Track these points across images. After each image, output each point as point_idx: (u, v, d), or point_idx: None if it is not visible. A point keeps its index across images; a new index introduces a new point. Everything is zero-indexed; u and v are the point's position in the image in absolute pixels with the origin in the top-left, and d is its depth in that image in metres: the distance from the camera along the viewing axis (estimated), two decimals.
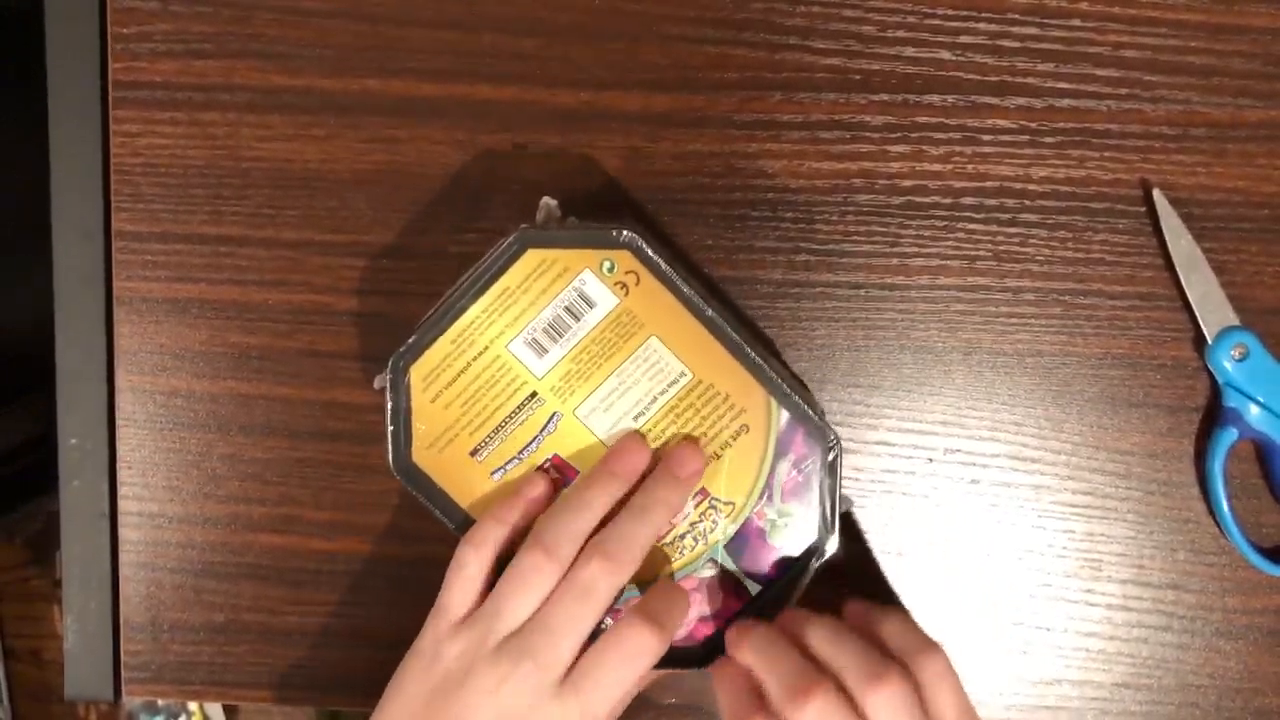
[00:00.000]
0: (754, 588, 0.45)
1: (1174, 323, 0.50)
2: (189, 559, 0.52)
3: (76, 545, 0.52)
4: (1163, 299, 0.50)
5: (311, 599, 0.52)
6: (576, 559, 0.41)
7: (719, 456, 0.45)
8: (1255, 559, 0.49)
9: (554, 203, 0.46)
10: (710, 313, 0.44)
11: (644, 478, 0.44)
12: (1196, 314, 0.49)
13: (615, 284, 0.44)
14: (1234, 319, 0.49)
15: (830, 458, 0.45)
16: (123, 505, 0.51)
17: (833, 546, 0.45)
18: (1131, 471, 0.50)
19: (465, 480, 0.45)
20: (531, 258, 0.44)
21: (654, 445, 0.45)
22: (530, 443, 0.45)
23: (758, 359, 0.44)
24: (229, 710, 1.25)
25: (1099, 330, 0.50)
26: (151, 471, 0.51)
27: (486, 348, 0.44)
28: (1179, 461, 0.50)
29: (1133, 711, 0.51)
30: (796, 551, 0.45)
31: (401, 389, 0.44)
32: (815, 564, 0.45)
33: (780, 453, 0.45)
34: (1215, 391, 0.49)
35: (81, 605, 0.52)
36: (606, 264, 0.44)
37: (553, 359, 0.44)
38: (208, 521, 0.51)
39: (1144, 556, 0.51)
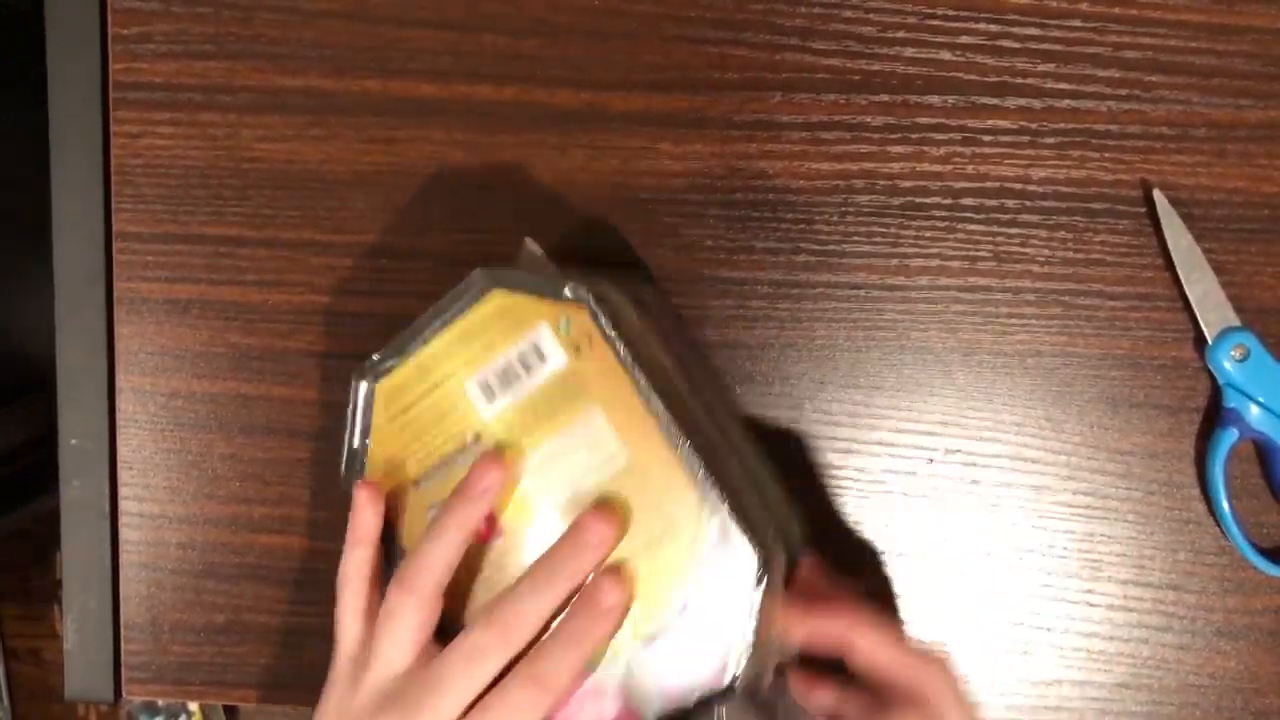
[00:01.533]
0: (653, 709, 0.40)
1: (1174, 323, 0.50)
2: (189, 559, 0.52)
3: (76, 545, 0.52)
4: (1163, 299, 0.50)
5: (311, 599, 0.52)
6: (506, 680, 0.38)
7: (640, 556, 0.40)
8: (1255, 559, 0.49)
9: (536, 247, 0.45)
10: (655, 399, 0.40)
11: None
12: (1196, 314, 0.49)
13: (569, 343, 0.41)
14: (1234, 319, 0.49)
15: (758, 584, 0.39)
16: (123, 505, 0.51)
17: (740, 688, 0.39)
18: (1132, 472, 0.50)
19: (406, 508, 0.44)
20: (495, 299, 0.42)
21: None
22: None
23: (696, 458, 0.39)
24: (229, 710, 1.25)
25: (1099, 330, 0.50)
26: (152, 471, 0.51)
27: (444, 381, 0.43)
28: (1179, 462, 0.50)
29: (1133, 712, 0.51)
30: (704, 679, 0.39)
31: (366, 405, 0.44)
32: (719, 706, 0.40)
33: (704, 567, 0.39)
34: (1215, 392, 0.49)
35: (81, 605, 0.52)
36: (564, 320, 0.41)
37: (499, 406, 0.42)
38: (208, 522, 0.51)
39: (1144, 557, 0.51)
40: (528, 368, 0.42)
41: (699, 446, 0.40)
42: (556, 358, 0.41)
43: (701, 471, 0.39)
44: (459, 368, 0.42)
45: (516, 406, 0.42)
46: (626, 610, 0.40)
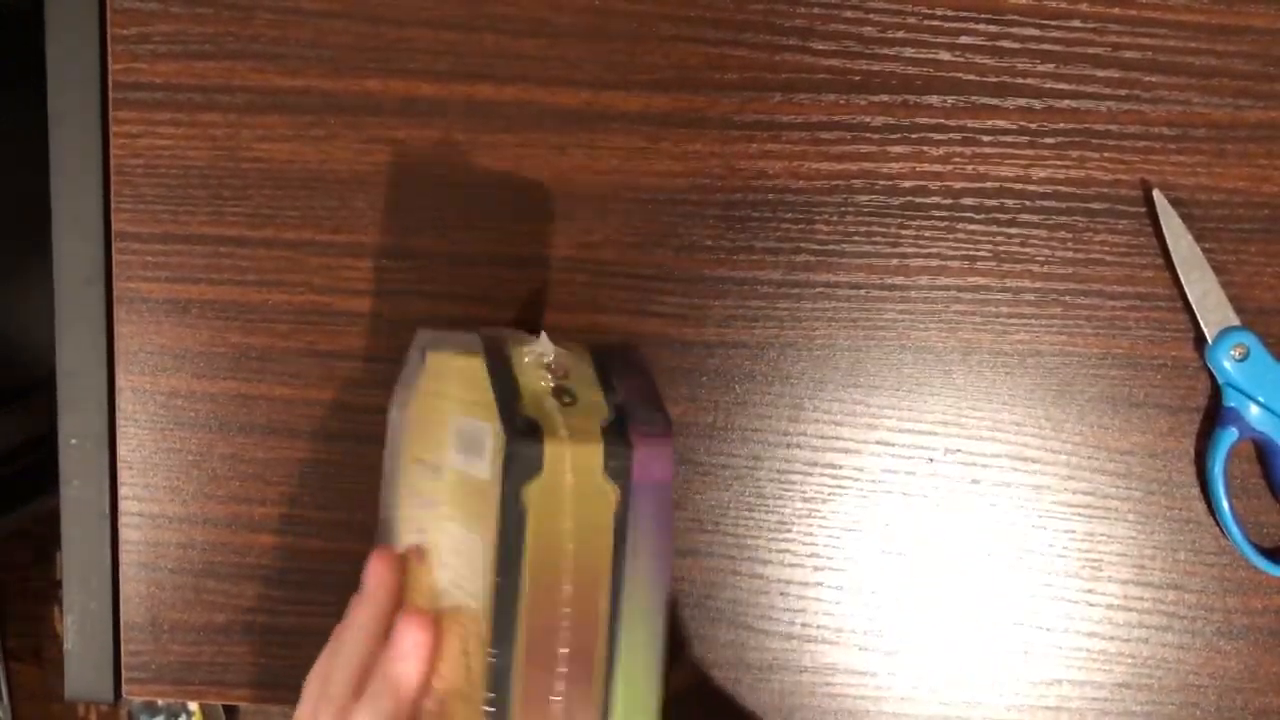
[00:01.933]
0: None
1: (1174, 323, 0.50)
2: (189, 559, 0.52)
3: (76, 545, 0.52)
4: (1163, 299, 0.50)
5: (311, 599, 0.52)
6: None
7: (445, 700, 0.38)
8: (1256, 559, 0.49)
9: (550, 353, 0.40)
10: (498, 579, 0.36)
11: None
12: (1196, 314, 0.49)
13: (496, 458, 0.36)
14: (1234, 319, 0.49)
15: None
16: (123, 505, 0.51)
17: None
18: (1132, 471, 0.50)
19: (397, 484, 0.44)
20: (473, 363, 0.38)
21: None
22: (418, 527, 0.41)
23: (499, 671, 0.36)
24: (229, 710, 1.25)
25: (1099, 330, 0.50)
26: (151, 471, 0.51)
27: (446, 397, 0.40)
28: (1179, 461, 0.50)
29: (1134, 712, 0.51)
30: None
31: (412, 368, 0.43)
32: None
33: None
34: (1215, 391, 0.49)
35: (81, 605, 0.52)
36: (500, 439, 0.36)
37: (451, 466, 0.39)
38: (208, 521, 0.51)
39: (1144, 556, 0.51)
40: (472, 449, 0.38)
41: (510, 660, 0.36)
42: (485, 464, 0.37)
43: (492, 685, 0.36)
44: (455, 396, 0.40)
45: (454, 480, 0.39)
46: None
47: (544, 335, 0.40)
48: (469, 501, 0.38)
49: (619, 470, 0.37)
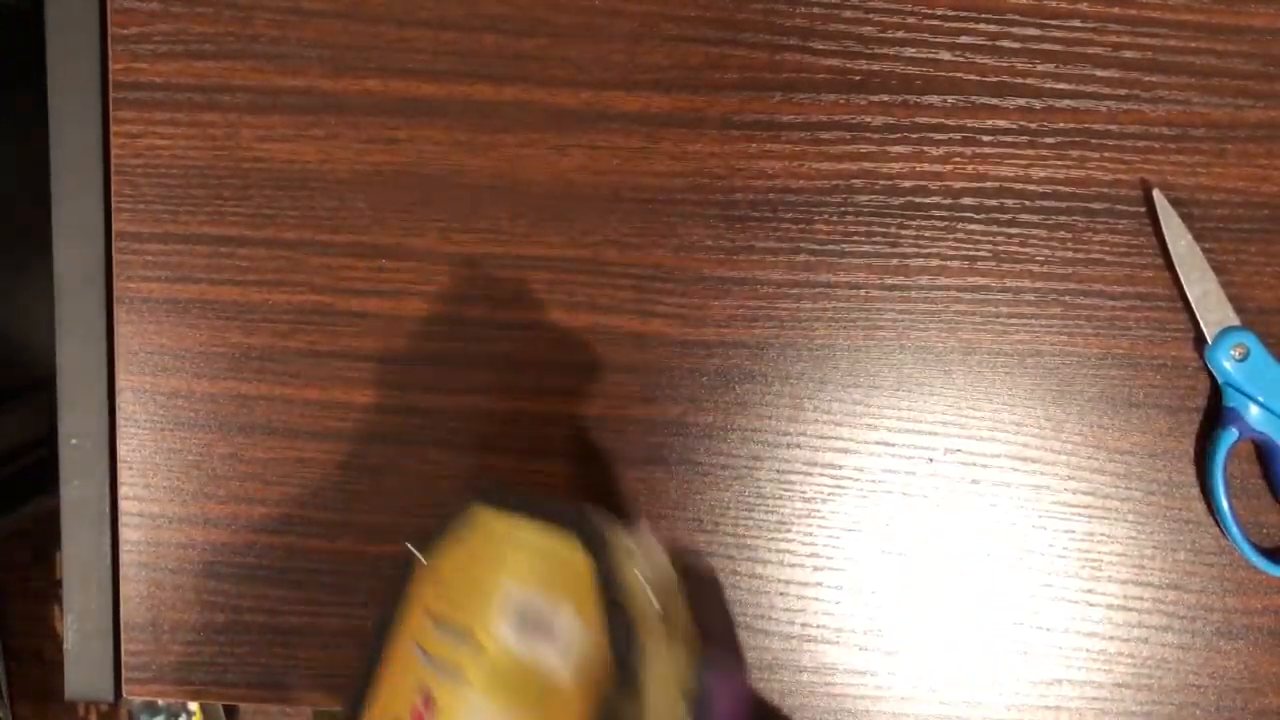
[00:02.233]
0: None
1: (1174, 323, 0.50)
2: (189, 559, 0.52)
3: (76, 545, 0.52)
4: (1163, 299, 0.50)
5: (311, 599, 0.52)
6: None
7: None
8: (1256, 559, 0.49)
9: (654, 570, 0.37)
10: None
11: None
12: (1196, 314, 0.49)
13: (583, 649, 0.34)
14: (1234, 319, 0.49)
15: None
16: (123, 505, 0.51)
17: None
18: (1132, 471, 0.50)
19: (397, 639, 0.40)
20: (569, 554, 0.35)
21: None
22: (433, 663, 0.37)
23: None
24: (229, 710, 1.25)
25: (1099, 330, 0.50)
26: (151, 471, 0.51)
27: (505, 567, 0.37)
28: (1179, 461, 0.50)
29: (1133, 711, 0.51)
30: None
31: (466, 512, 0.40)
32: None
33: None
34: (1215, 391, 0.49)
35: (81, 605, 0.52)
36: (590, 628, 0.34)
37: (500, 640, 0.35)
38: (208, 521, 0.51)
39: (1144, 556, 0.51)
40: (536, 630, 0.35)
41: None
42: (553, 652, 0.34)
43: None
44: (520, 567, 0.37)
45: (514, 653, 0.36)
46: None
47: (650, 541, 0.37)
48: (520, 684, 0.35)
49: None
